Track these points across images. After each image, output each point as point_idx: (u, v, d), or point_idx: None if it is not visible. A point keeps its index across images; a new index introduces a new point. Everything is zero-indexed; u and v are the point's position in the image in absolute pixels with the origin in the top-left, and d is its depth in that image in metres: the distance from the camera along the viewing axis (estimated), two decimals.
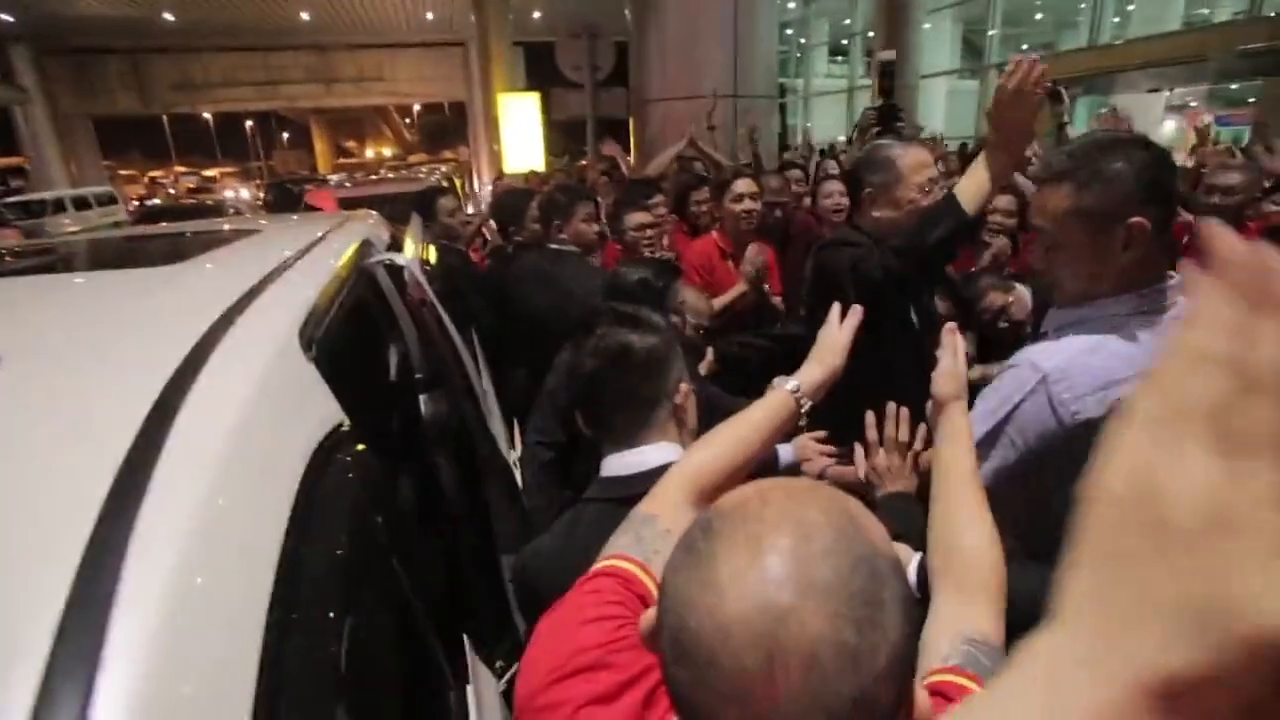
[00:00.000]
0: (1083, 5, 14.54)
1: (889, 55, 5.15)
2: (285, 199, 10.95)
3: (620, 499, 1.03)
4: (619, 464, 1.10)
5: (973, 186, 1.49)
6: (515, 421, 2.53)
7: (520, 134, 11.60)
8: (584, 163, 6.34)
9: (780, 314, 2.42)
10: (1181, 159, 4.92)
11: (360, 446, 0.83)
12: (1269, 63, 9.73)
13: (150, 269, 1.11)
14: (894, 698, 0.40)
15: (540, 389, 1.92)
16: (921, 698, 0.43)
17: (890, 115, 4.71)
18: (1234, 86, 12.03)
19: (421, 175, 14.55)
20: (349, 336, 1.58)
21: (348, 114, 34.13)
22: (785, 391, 1.00)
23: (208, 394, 0.55)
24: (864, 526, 0.43)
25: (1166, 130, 11.76)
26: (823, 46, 21.67)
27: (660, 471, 1.03)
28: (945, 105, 16.46)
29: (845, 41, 20.59)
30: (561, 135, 11.35)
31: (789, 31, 22.98)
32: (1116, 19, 14.50)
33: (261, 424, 0.58)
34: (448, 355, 1.72)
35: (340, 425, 0.76)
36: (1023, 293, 2.46)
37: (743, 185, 2.38)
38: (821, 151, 7.05)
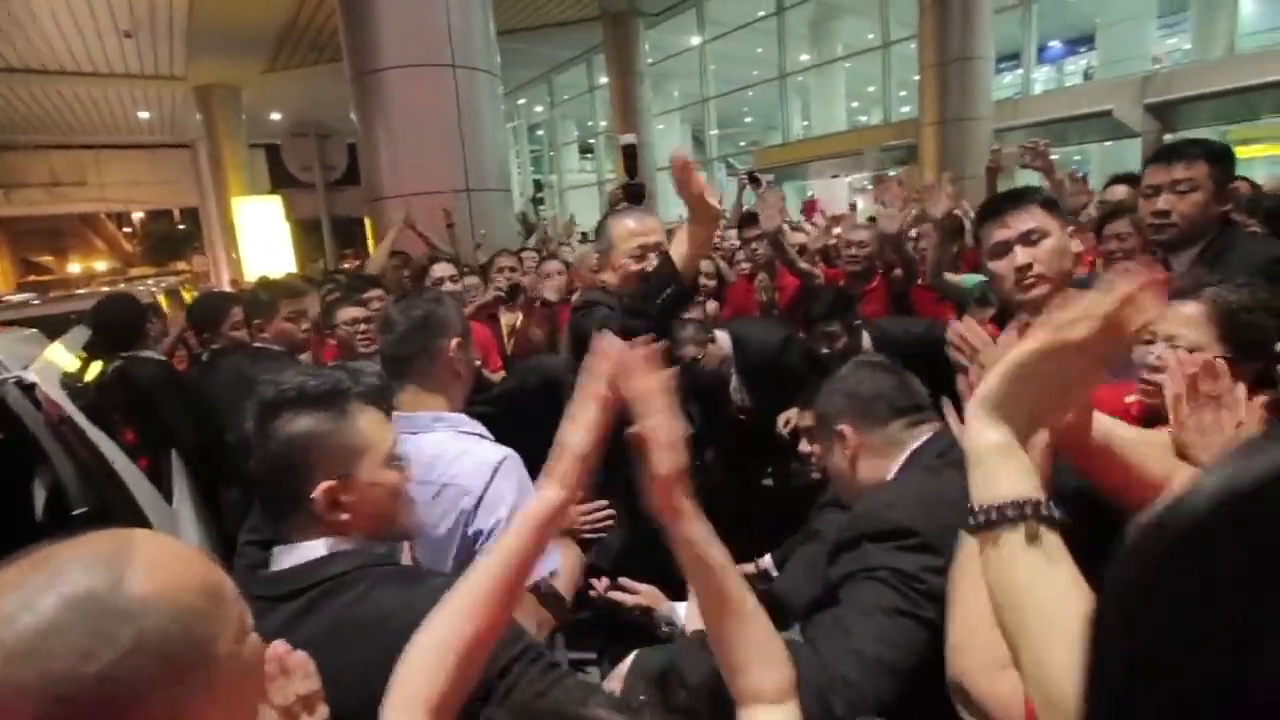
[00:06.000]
0: (777, 112, 17.64)
1: (630, 139, 5.62)
2: None
3: (270, 597, 0.96)
4: (278, 558, 1.01)
5: (681, 251, 1.64)
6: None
7: (262, 239, 10.79)
8: (350, 265, 6.12)
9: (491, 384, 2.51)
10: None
11: None
12: (899, 155, 12.76)
13: None
14: (101, 695, 0.44)
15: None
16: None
17: (635, 193, 5.04)
18: (891, 173, 15.36)
19: (146, 288, 12.73)
20: None
21: (40, 224, 28.74)
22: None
23: None
24: (118, 571, 0.48)
25: (857, 207, 14.61)
26: (573, 145, 23.52)
27: (304, 569, 0.97)
28: None
29: (592, 140, 22.57)
30: (307, 238, 10.75)
31: (540, 132, 24.61)
32: (805, 122, 17.83)
33: None
34: (106, 481, 1.50)
35: None
36: (721, 341, 2.82)
37: (440, 270, 2.47)
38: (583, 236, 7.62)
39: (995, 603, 0.62)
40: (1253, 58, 10.29)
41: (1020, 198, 1.56)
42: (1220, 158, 1.86)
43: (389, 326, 1.46)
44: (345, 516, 0.99)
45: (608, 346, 0.81)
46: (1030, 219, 1.50)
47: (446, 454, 1.35)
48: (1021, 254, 1.49)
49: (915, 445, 1.24)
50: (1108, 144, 12.24)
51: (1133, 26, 12.30)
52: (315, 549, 0.98)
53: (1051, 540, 0.61)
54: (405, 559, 1.19)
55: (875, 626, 1.00)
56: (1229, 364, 1.00)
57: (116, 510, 1.52)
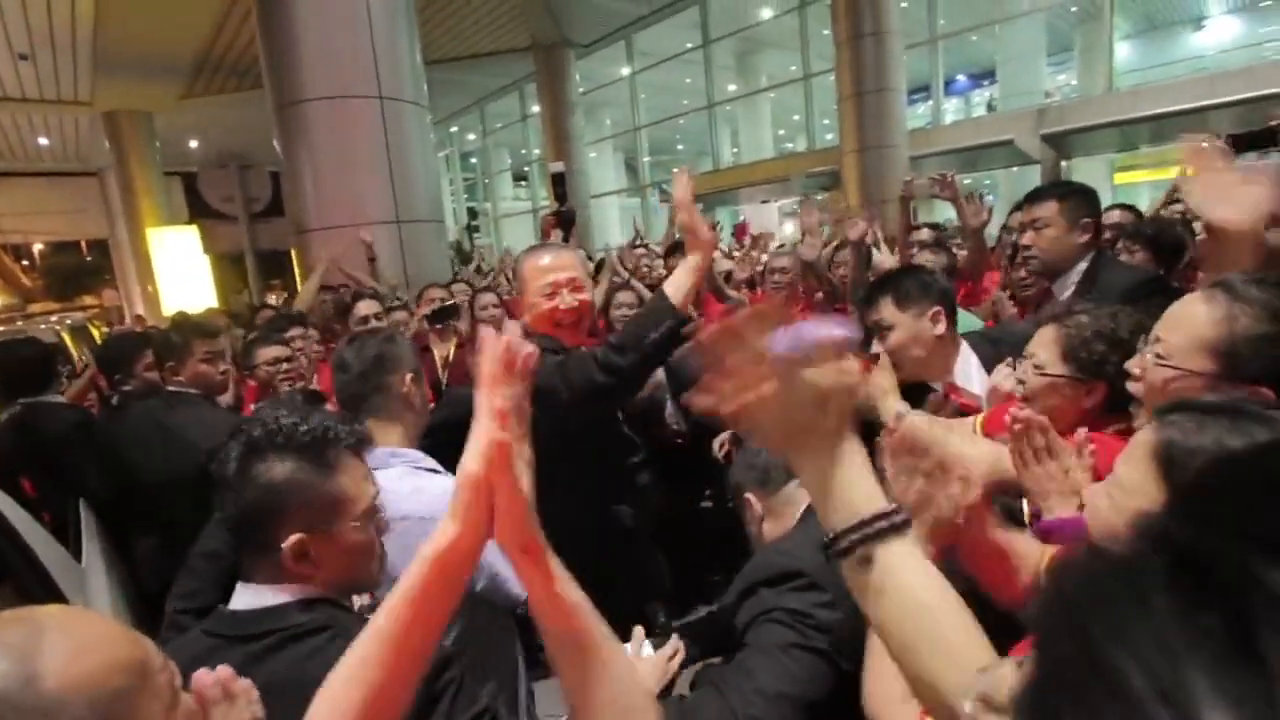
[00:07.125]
0: (708, 139, 18.14)
1: (558, 167, 5.62)
2: None
3: (229, 636, 0.95)
4: (240, 596, 1.00)
5: (683, 284, 1.63)
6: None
7: (179, 272, 10.32)
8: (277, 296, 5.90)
9: None
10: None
11: None
12: (824, 181, 13.35)
13: None
14: None
15: (175, 557, 1.65)
16: None
17: (566, 219, 5.02)
18: (819, 196, 15.99)
19: (49, 326, 11.82)
20: None
21: None
22: None
23: None
24: (30, 665, 0.46)
25: (787, 231, 15.10)
26: (506, 173, 23.48)
27: (266, 614, 0.95)
28: (618, 219, 18.86)
29: (526, 168, 22.60)
30: (229, 270, 10.33)
31: (473, 160, 24.46)
32: (735, 149, 18.38)
33: None
34: (3, 539, 1.41)
35: None
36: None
37: (364, 307, 2.43)
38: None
39: (874, 620, 0.65)
40: (1129, 94, 11.31)
41: (874, 288, 1.78)
42: (1069, 196, 2.06)
43: (343, 367, 1.52)
44: (310, 570, 0.98)
45: (494, 341, 0.69)
46: (876, 311, 1.72)
47: (402, 489, 1.37)
48: (876, 344, 1.73)
49: (809, 500, 1.33)
50: (1014, 170, 13.14)
51: (1026, 63, 13.31)
52: (278, 595, 0.97)
53: (900, 548, 0.65)
54: (365, 598, 1.18)
55: (775, 664, 1.08)
56: (1070, 382, 1.14)
57: (16, 570, 1.43)
